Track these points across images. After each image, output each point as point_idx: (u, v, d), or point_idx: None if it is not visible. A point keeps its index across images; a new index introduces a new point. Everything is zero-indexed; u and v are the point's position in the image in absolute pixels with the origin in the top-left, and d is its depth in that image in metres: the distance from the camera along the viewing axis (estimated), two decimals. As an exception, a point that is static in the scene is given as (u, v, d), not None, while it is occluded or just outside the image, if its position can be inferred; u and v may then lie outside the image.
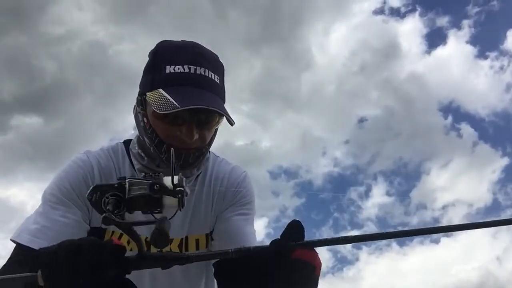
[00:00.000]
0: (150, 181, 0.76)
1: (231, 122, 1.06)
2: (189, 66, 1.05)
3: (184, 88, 1.03)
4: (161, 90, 1.03)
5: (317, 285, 0.81)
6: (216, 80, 1.08)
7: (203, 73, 1.05)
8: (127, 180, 0.77)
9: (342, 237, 0.82)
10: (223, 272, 1.09)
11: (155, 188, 0.75)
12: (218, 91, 1.09)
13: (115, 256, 0.77)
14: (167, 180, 0.77)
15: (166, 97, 1.01)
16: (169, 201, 0.76)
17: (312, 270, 0.79)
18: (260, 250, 0.80)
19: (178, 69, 1.05)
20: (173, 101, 1.00)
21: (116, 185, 0.76)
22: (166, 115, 1.03)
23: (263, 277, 0.81)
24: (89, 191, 0.77)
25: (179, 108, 0.99)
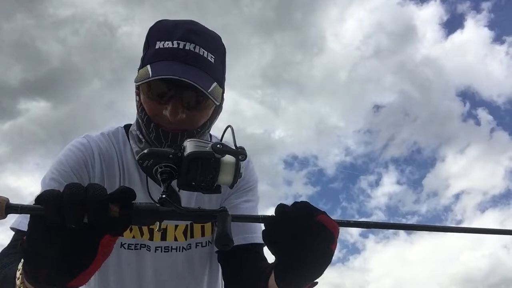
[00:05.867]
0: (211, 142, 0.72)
1: (213, 101, 1.01)
2: (179, 41, 1.01)
3: (168, 63, 0.99)
4: (148, 66, 0.99)
5: (331, 259, 0.76)
6: (209, 58, 1.03)
7: (192, 49, 1.01)
8: (187, 140, 0.72)
9: (365, 221, 0.80)
10: (226, 256, 1.10)
11: (217, 146, 0.70)
12: (210, 69, 1.03)
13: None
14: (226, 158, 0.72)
15: (147, 71, 0.98)
16: (227, 159, 0.71)
17: (332, 239, 0.74)
18: (286, 211, 0.75)
19: (167, 44, 1.01)
20: (150, 72, 0.97)
21: (170, 155, 0.71)
22: (152, 92, 1.01)
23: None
24: (140, 155, 0.72)
25: (149, 78, 0.96)
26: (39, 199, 0.63)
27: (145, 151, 0.72)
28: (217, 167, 0.70)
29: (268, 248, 0.77)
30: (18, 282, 0.70)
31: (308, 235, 0.72)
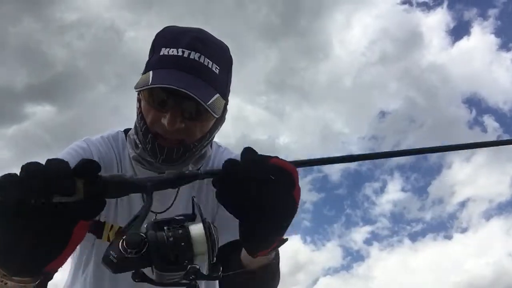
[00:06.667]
0: (184, 271, 0.65)
1: (212, 114, 0.98)
2: (184, 50, 0.99)
3: (170, 71, 0.98)
4: (150, 72, 0.98)
5: (296, 207, 0.71)
6: (213, 69, 1.01)
7: (197, 59, 0.99)
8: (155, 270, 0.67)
9: (324, 158, 0.75)
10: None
11: (191, 278, 0.65)
12: (213, 80, 1.01)
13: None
14: (194, 229, 0.67)
15: (148, 77, 0.97)
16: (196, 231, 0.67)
17: (291, 183, 0.68)
18: (234, 163, 0.69)
19: (172, 51, 1.00)
20: (150, 79, 0.96)
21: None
22: (153, 100, 1.00)
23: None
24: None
25: (148, 85, 0.95)
26: None
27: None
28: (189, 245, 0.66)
29: (226, 209, 0.72)
30: None
31: (264, 182, 0.67)
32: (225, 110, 1.09)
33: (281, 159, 0.69)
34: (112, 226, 1.10)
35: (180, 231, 0.66)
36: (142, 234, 0.65)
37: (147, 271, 0.67)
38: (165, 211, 1.09)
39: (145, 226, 0.67)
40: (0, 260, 0.63)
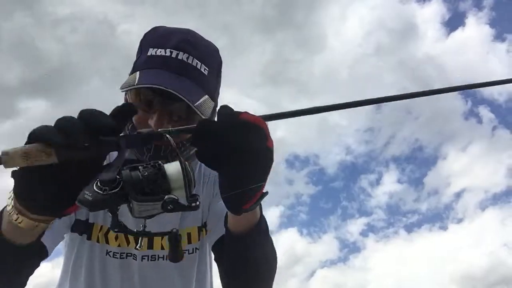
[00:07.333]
0: (161, 201, 0.66)
1: (200, 116, 0.97)
2: (172, 50, 0.99)
3: (158, 71, 0.97)
4: (137, 73, 0.97)
5: (270, 156, 0.72)
6: (202, 70, 1.01)
7: (185, 59, 0.99)
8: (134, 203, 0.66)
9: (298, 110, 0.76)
10: (221, 251, 1.05)
11: (168, 208, 0.66)
12: (202, 81, 1.00)
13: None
14: (169, 168, 0.68)
15: (135, 78, 0.96)
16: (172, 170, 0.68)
17: (262, 134, 0.70)
18: (207, 121, 0.73)
19: (160, 52, 0.99)
20: (136, 80, 0.95)
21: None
22: (141, 101, 0.98)
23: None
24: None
25: (134, 86, 0.94)
26: (34, 134, 0.61)
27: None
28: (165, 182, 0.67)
29: (207, 165, 0.75)
30: (9, 207, 0.69)
31: (234, 135, 0.68)
32: (214, 112, 1.07)
33: (250, 113, 0.70)
34: (101, 227, 1.10)
35: (155, 169, 0.67)
36: (116, 176, 0.66)
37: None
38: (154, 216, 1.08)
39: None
40: (24, 198, 0.64)
